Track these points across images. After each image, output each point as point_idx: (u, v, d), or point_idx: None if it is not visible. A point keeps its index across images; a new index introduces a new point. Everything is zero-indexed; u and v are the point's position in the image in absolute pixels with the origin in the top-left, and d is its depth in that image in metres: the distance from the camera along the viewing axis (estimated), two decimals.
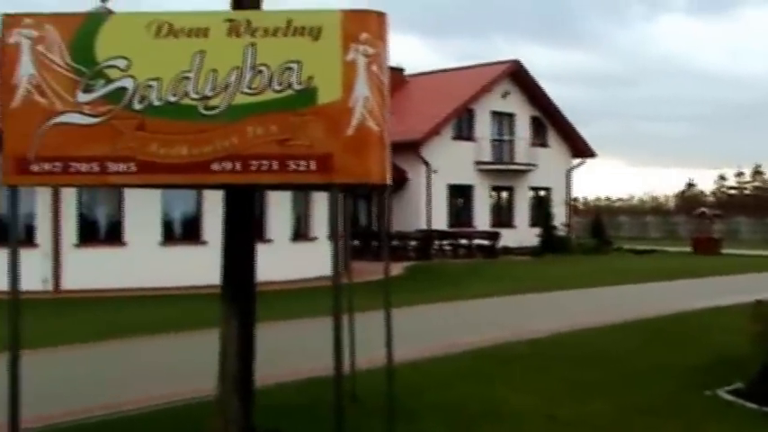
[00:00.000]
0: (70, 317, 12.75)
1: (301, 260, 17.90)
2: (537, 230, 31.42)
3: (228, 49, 4.58)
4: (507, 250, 28.82)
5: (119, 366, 8.61)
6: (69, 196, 16.36)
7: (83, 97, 4.62)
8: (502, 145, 32.22)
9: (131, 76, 4.60)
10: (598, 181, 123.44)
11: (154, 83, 4.58)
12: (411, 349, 8.57)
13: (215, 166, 4.58)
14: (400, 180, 27.70)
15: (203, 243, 17.24)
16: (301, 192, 17.12)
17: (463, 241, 28.30)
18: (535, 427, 6.04)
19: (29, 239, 15.81)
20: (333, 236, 4.97)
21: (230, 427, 5.26)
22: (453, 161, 29.81)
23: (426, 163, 29.06)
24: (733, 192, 76.77)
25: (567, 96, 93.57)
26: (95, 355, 9.40)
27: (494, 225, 30.97)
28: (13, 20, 4.65)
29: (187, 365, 8.35)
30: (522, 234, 31.19)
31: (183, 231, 17.92)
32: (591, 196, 71.57)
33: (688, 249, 33.08)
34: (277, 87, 4.56)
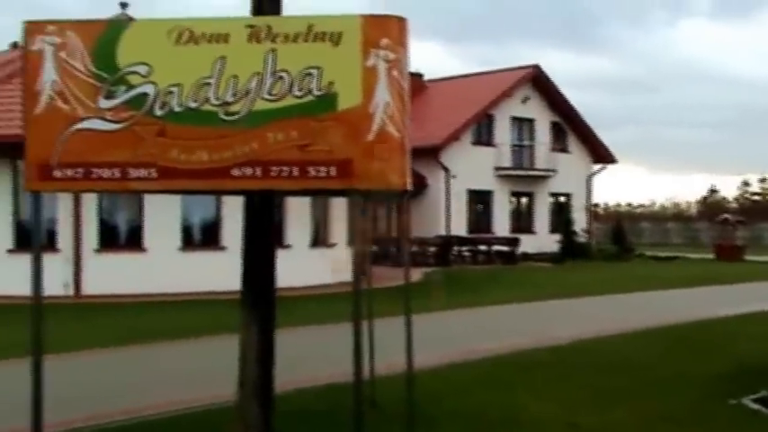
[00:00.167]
0: (91, 322, 12.85)
1: (320, 266, 17.92)
2: (557, 237, 31.24)
3: (249, 54, 4.59)
4: (527, 256, 28.67)
5: (139, 371, 8.65)
6: (90, 202, 16.51)
7: (104, 103, 4.65)
8: (522, 150, 32.10)
9: (152, 83, 4.62)
10: (619, 187, 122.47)
11: (175, 89, 4.60)
12: (431, 355, 8.53)
13: (235, 172, 4.59)
14: (419, 186, 27.68)
15: (222, 249, 17.31)
16: (321, 197, 17.15)
17: (482, 247, 28.19)
18: None
19: (50, 244, 15.95)
20: (352, 242, 4.95)
21: None
22: (473, 167, 29.74)
23: (446, 168, 29.01)
24: (757, 198, 75.81)
25: (587, 102, 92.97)
26: (116, 359, 9.45)
27: (513, 231, 30.84)
28: (36, 27, 4.69)
29: (207, 371, 8.37)
30: (541, 240, 31.02)
31: (203, 237, 18.00)
32: (612, 202, 71.00)
33: (711, 256, 32.73)
34: (297, 93, 4.55)
